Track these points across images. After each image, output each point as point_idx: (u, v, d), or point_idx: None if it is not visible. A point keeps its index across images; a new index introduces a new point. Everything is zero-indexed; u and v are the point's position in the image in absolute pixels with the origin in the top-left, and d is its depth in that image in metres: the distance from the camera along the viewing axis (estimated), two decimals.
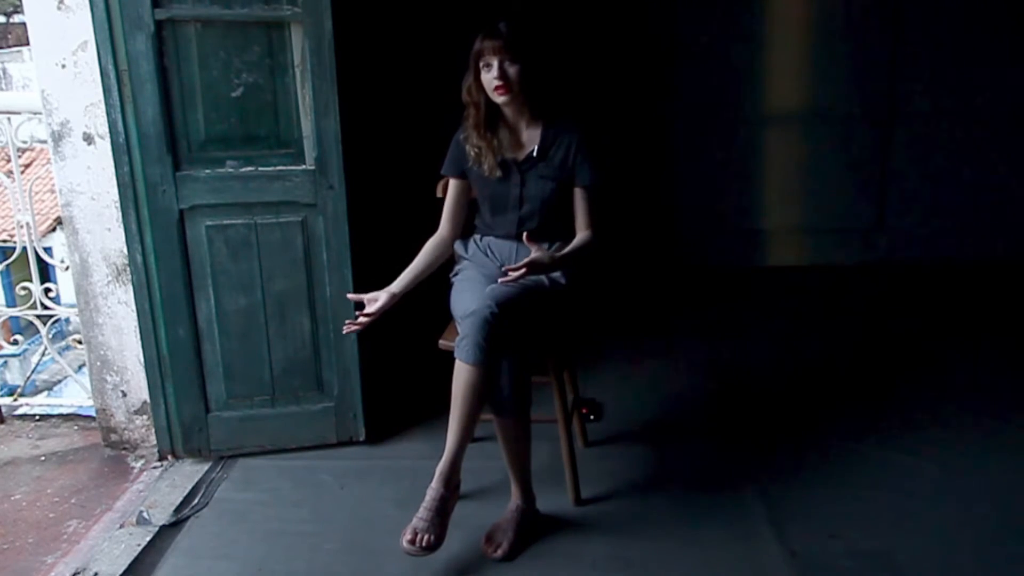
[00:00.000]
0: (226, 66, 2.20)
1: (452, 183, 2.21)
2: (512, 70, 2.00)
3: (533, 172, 2.11)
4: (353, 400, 2.47)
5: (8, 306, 3.05)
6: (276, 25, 2.21)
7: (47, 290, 2.72)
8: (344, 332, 2.10)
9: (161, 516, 2.19)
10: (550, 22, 2.64)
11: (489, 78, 2.01)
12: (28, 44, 2.35)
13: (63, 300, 3.30)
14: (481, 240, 2.24)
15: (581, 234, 2.13)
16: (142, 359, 2.37)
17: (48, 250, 2.97)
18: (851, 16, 4.08)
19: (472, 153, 2.12)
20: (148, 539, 2.10)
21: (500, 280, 1.95)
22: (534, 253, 1.95)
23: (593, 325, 2.92)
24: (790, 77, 4.23)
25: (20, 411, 2.86)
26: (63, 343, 3.58)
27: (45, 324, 2.78)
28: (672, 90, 4.14)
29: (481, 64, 2.02)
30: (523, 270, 1.90)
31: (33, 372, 3.24)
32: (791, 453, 2.46)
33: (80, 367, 2.73)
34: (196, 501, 2.26)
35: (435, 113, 2.43)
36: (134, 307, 2.32)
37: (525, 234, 2.00)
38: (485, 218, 2.22)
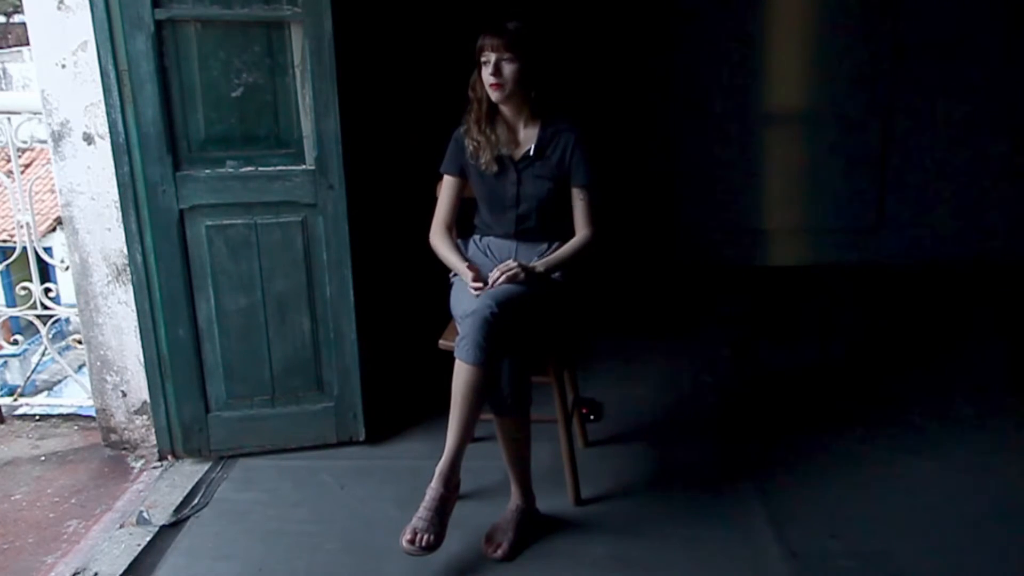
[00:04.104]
0: (226, 66, 2.20)
1: (448, 181, 2.21)
2: (509, 68, 2.00)
3: (530, 171, 2.12)
4: (353, 400, 2.47)
5: (8, 306, 3.04)
6: (276, 25, 2.21)
7: (47, 290, 2.72)
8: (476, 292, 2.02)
9: (161, 516, 2.19)
10: (552, 22, 2.64)
11: (485, 74, 2.02)
12: (28, 44, 2.35)
13: (63, 300, 3.29)
14: (481, 240, 2.24)
15: (580, 233, 2.14)
16: (142, 359, 2.37)
17: (48, 250, 2.97)
18: (851, 16, 4.08)
19: (471, 147, 2.13)
20: (148, 539, 2.10)
21: (473, 292, 1.99)
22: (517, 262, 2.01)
23: (593, 325, 2.93)
24: (790, 77, 4.23)
25: (20, 411, 2.86)
26: (63, 343, 3.58)
27: (45, 324, 2.78)
28: (672, 90, 4.14)
29: (482, 60, 2.03)
30: (502, 277, 1.97)
31: (33, 372, 3.24)
32: (791, 453, 2.46)
33: (80, 367, 2.73)
34: (196, 501, 2.26)
35: (435, 113, 2.43)
36: (134, 307, 2.32)
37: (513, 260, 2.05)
38: (484, 217, 2.22)
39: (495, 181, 2.14)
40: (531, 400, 2.01)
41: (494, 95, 2.03)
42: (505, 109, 2.10)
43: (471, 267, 2.07)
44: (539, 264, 2.08)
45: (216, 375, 2.39)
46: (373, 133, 2.69)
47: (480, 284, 2.01)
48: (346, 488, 2.32)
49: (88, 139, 2.31)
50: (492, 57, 2.00)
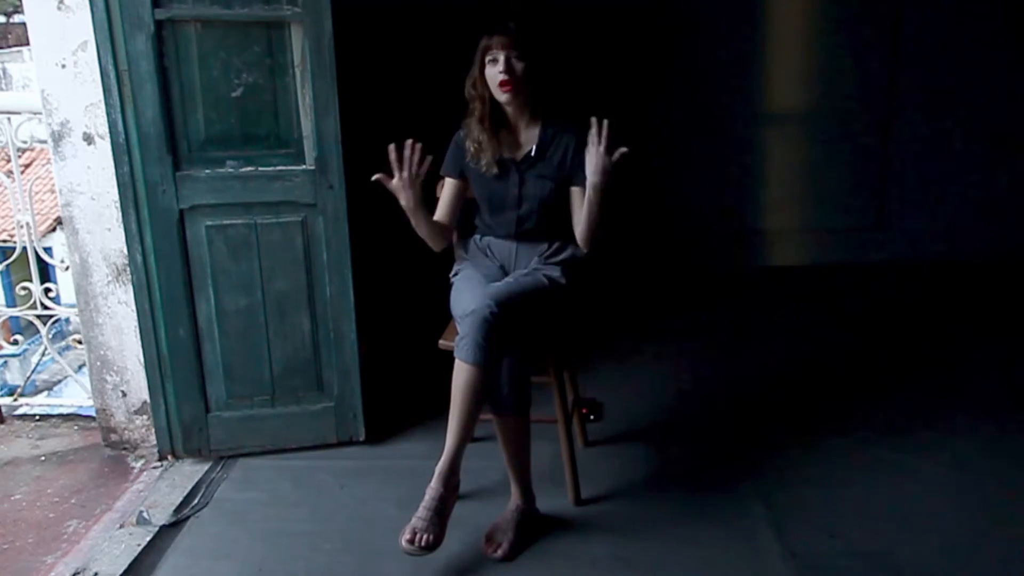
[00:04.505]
0: (226, 66, 2.20)
1: (448, 182, 2.21)
2: (518, 67, 2.00)
3: (532, 172, 2.11)
4: (353, 400, 2.47)
5: (8, 306, 3.04)
6: (276, 25, 2.21)
7: (47, 290, 2.72)
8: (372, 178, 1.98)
9: (161, 516, 2.19)
10: (552, 22, 2.65)
11: (494, 72, 2.01)
12: (28, 44, 2.35)
13: (63, 300, 3.29)
14: (481, 240, 2.24)
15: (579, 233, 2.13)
16: (142, 359, 2.38)
17: (48, 250, 2.97)
18: (851, 15, 4.09)
19: (471, 148, 2.12)
20: (148, 539, 2.10)
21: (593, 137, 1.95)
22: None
23: (593, 325, 2.93)
24: (790, 76, 4.24)
25: (20, 411, 2.86)
26: (63, 343, 3.58)
27: (45, 324, 2.78)
28: (672, 90, 4.14)
29: (487, 59, 2.03)
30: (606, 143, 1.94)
31: (33, 372, 3.24)
32: (791, 453, 2.46)
33: (80, 367, 2.73)
34: (196, 501, 2.26)
35: (435, 113, 2.43)
36: (134, 307, 2.33)
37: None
38: (484, 218, 2.22)
39: (496, 182, 2.14)
40: (531, 399, 2.02)
41: (503, 93, 2.02)
42: (509, 108, 2.10)
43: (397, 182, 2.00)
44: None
45: (216, 375, 2.39)
46: (373, 133, 2.68)
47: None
48: (346, 488, 2.32)
49: (88, 139, 2.31)
50: (501, 55, 2.00)
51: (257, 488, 2.33)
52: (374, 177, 1.99)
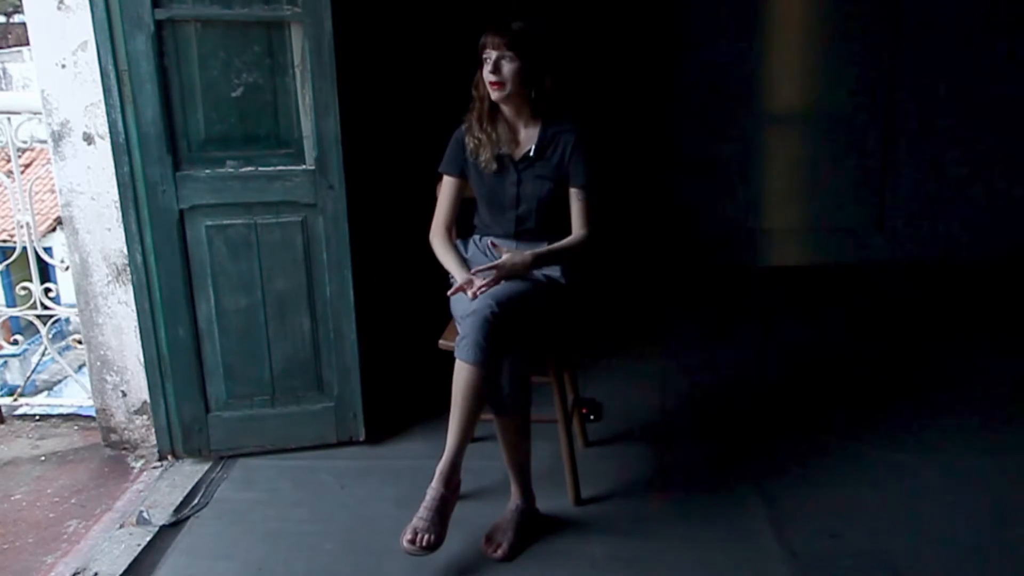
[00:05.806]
0: (226, 66, 2.20)
1: (448, 181, 2.21)
2: (509, 68, 2.00)
3: (530, 171, 2.12)
4: (353, 400, 2.47)
5: (8, 306, 3.05)
6: (276, 25, 2.21)
7: (47, 290, 2.72)
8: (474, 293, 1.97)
9: (161, 516, 2.19)
10: (554, 22, 2.65)
11: (485, 72, 2.02)
12: (28, 44, 2.35)
13: (63, 300, 3.29)
14: (480, 240, 2.24)
15: (575, 233, 2.13)
16: (142, 359, 2.38)
17: (48, 250, 2.97)
18: (852, 16, 4.09)
19: (471, 145, 2.13)
20: (148, 539, 2.10)
21: (470, 294, 1.97)
22: (504, 256, 1.97)
23: (593, 325, 2.93)
24: (791, 77, 4.24)
25: (20, 411, 2.86)
26: (63, 343, 3.58)
27: (45, 324, 2.78)
28: (673, 90, 4.14)
29: (483, 57, 2.03)
30: (493, 274, 1.96)
31: (33, 372, 3.24)
32: (791, 453, 2.46)
33: (80, 367, 2.73)
34: (196, 501, 2.26)
35: (435, 113, 2.43)
36: (134, 307, 2.33)
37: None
38: (483, 218, 2.22)
39: (495, 181, 2.14)
40: (531, 399, 2.02)
41: (493, 93, 2.03)
42: (505, 108, 2.10)
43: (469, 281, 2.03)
44: (528, 254, 2.05)
45: (216, 375, 2.39)
46: (373, 133, 2.69)
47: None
48: (346, 488, 2.32)
49: (88, 139, 2.31)
50: (493, 55, 2.01)
51: (257, 488, 2.33)
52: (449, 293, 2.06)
